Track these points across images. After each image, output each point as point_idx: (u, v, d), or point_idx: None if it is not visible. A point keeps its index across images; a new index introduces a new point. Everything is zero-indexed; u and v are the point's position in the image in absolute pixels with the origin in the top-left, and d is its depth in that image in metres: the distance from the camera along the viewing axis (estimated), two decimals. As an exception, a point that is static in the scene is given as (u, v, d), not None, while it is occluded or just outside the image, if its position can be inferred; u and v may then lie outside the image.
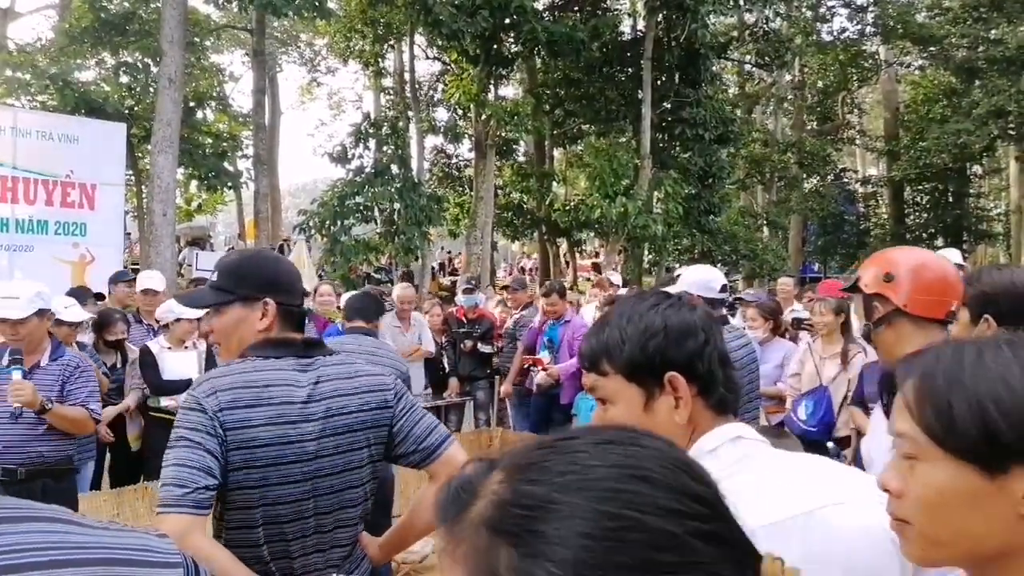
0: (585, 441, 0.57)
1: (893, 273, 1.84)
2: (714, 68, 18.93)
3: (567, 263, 22.94)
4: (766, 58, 20.01)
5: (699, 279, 3.53)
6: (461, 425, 6.91)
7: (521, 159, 21.91)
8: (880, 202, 26.44)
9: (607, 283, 7.78)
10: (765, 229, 23.14)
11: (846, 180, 27.34)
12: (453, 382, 6.74)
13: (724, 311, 3.97)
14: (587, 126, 21.24)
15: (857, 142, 26.42)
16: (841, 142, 25.91)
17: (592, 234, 20.59)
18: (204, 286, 1.98)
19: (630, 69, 19.07)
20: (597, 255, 25.05)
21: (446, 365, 6.85)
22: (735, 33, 21.01)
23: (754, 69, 23.79)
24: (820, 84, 25.34)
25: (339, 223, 14.56)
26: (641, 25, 19.66)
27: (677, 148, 18.36)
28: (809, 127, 25.47)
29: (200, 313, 4.50)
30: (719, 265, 17.19)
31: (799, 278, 17.01)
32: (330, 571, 1.78)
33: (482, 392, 6.78)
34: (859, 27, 22.93)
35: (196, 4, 16.85)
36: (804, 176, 23.69)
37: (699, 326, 1.17)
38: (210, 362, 4.72)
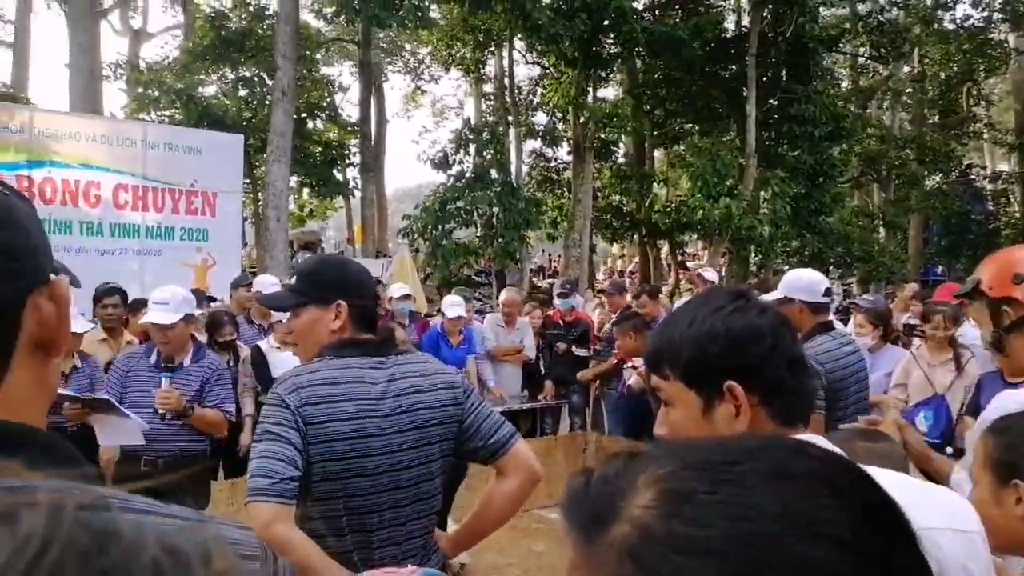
0: (755, 468, 0.48)
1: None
2: (824, 62, 18.14)
3: (668, 266, 22.52)
4: (881, 50, 19.01)
5: (800, 282, 3.39)
6: (557, 428, 6.90)
7: (620, 161, 21.70)
8: (1012, 200, 24.54)
9: (701, 279, 7.58)
10: (882, 230, 21.95)
11: (972, 177, 25.54)
12: (548, 385, 6.74)
13: (832, 316, 3.79)
14: (689, 125, 20.82)
15: (985, 136, 24.62)
16: (967, 136, 24.22)
17: (695, 236, 20.13)
18: (284, 289, 2.10)
19: (734, 66, 18.55)
20: (697, 257, 24.47)
21: (542, 368, 6.88)
22: (847, 25, 20.04)
23: (868, 62, 22.62)
24: (942, 75, 23.79)
25: (440, 227, 14.88)
26: (745, 21, 19.08)
27: (785, 146, 17.71)
28: (930, 121, 23.95)
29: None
30: (831, 268, 16.45)
31: (920, 281, 16.04)
32: (406, 562, 1.83)
33: (577, 396, 6.75)
34: (985, 14, 21.38)
35: (307, 19, 17.67)
36: (925, 173, 22.29)
37: (766, 330, 1.12)
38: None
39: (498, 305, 7.01)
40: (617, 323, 5.31)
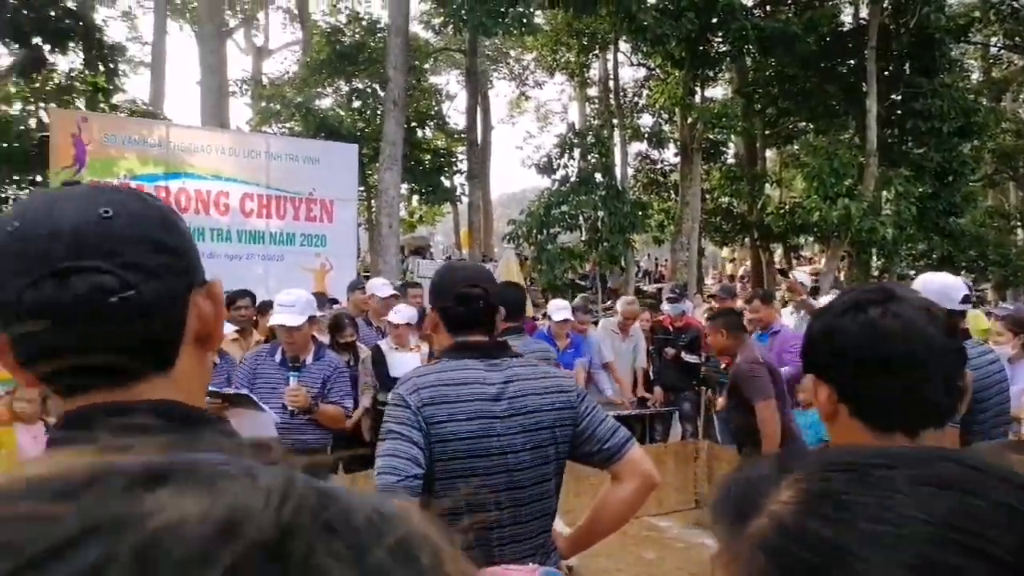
0: (905, 474, 0.46)
1: None
2: (952, 53, 17.01)
3: (782, 271, 21.72)
4: (1016, 39, 17.62)
5: (932, 287, 3.21)
6: (668, 435, 6.79)
7: (730, 162, 21.12)
8: None
9: (799, 286, 7.27)
10: (1020, 231, 20.34)
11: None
12: (657, 391, 6.65)
13: (967, 324, 3.56)
14: (803, 124, 20.00)
15: None
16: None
17: (810, 239, 19.32)
18: None
19: (852, 61, 17.69)
20: (814, 260, 23.44)
21: (651, 374, 6.80)
22: (977, 13, 18.71)
23: (1002, 52, 21.03)
24: (1090, 63, 21.81)
25: (545, 232, 14.93)
26: (864, 13, 18.16)
27: (909, 143, 16.72)
28: (1076, 112, 22.03)
29: (407, 317, 4.97)
30: (963, 272, 15.39)
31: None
32: (526, 561, 1.87)
33: (688, 403, 6.63)
34: None
35: (416, 31, 18.20)
36: (1068, 169, 20.52)
37: (853, 331, 1.12)
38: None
39: (605, 311, 7.00)
40: (711, 319, 5.19)
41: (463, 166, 19.11)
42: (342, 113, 16.33)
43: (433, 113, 19.78)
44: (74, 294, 0.67)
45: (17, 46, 13.25)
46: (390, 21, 14.21)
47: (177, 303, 0.74)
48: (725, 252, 28.67)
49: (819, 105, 18.29)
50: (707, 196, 19.58)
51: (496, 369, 1.92)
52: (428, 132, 19.49)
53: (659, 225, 20.34)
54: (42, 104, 13.05)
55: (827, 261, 16.42)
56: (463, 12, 12.89)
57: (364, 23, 17.51)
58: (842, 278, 16.76)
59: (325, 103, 17.86)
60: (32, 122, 13.07)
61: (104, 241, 0.68)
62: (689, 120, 16.30)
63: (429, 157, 18.20)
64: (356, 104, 17.03)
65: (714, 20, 15.15)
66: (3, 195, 14.46)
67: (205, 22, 15.60)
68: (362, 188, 16.41)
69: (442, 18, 15.44)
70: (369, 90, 16.79)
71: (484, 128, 23.26)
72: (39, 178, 13.64)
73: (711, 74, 17.59)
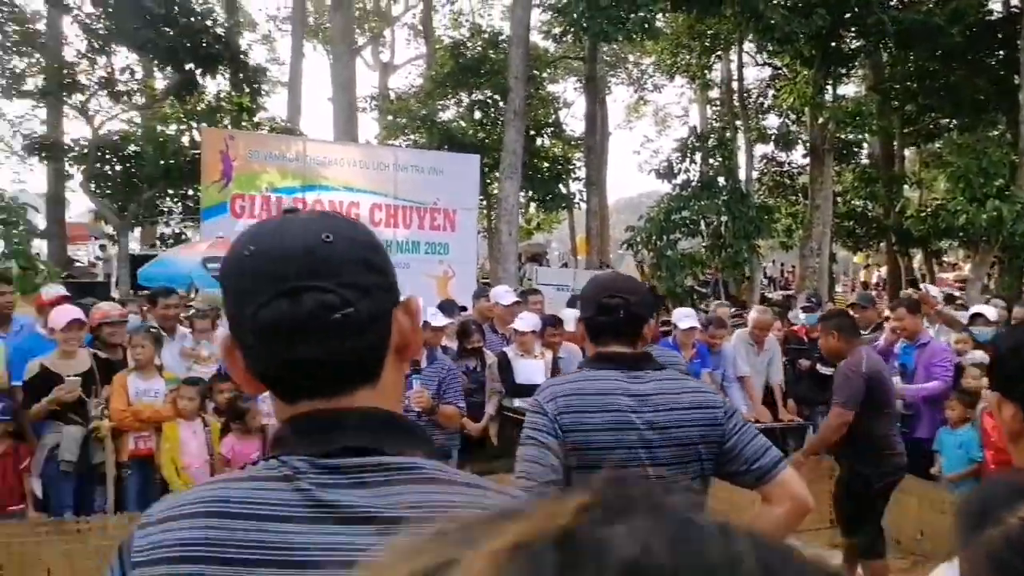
0: None
1: None
2: (1125, 37, 15.34)
3: (922, 276, 20.33)
4: None
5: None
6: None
7: (864, 162, 20.02)
8: None
9: (930, 298, 6.73)
10: None
11: None
12: (790, 404, 6.39)
13: None
14: (946, 121, 18.68)
15: None
16: None
17: (955, 243, 17.99)
18: None
19: (1001, 52, 16.35)
20: (958, 267, 21.81)
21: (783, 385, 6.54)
22: None
23: None
24: None
25: (665, 238, 14.69)
26: (1015, 0, 16.76)
27: (1068, 139, 15.25)
28: None
29: (532, 324, 5.03)
30: None
31: None
32: None
33: (823, 417, 6.32)
34: None
35: (535, 40, 18.40)
36: None
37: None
38: (555, 370, 5.15)
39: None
40: (822, 320, 4.93)
41: (581, 172, 19.12)
42: (464, 124, 16.75)
43: (550, 121, 19.92)
44: (305, 311, 0.75)
45: (172, 71, 14.46)
46: (511, 33, 14.45)
47: (385, 319, 0.81)
48: (858, 258, 27.18)
49: (965, 100, 17.01)
50: (838, 199, 18.64)
51: (638, 381, 1.91)
52: (546, 140, 19.65)
53: (786, 230, 19.54)
54: (194, 124, 14.16)
55: (974, 268, 15.22)
56: (583, 21, 12.93)
57: (486, 36, 17.89)
58: (992, 286, 15.49)
59: (448, 114, 18.38)
60: (185, 140, 14.21)
61: (327, 263, 0.76)
62: (820, 120, 15.58)
63: (547, 165, 18.34)
64: (477, 115, 17.42)
65: (847, 15, 14.44)
66: (163, 207, 15.82)
67: (338, 42, 16.43)
68: (481, 197, 16.77)
69: (562, 27, 15.53)
70: (490, 101, 17.14)
71: (601, 134, 23.18)
72: (190, 191, 14.84)
73: (843, 71, 16.74)
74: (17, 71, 19.76)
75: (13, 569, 4.06)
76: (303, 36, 22.63)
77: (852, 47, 15.77)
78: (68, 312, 4.60)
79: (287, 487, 0.74)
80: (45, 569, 4.13)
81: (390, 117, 18.36)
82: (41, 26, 17.37)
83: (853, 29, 15.05)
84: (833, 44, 15.28)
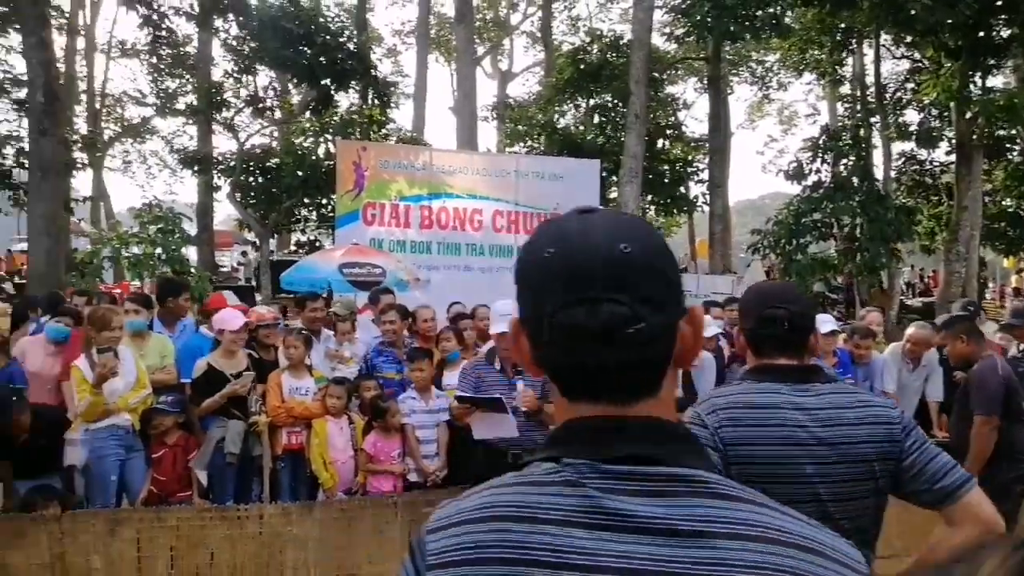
0: None
1: None
2: None
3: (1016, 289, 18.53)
4: None
5: None
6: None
7: (1017, 159, 18.48)
8: None
9: None
10: None
11: None
12: (943, 419, 5.98)
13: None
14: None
15: None
16: None
17: None
18: None
19: None
20: None
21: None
22: None
23: None
24: None
25: (795, 241, 14.13)
26: None
27: None
28: None
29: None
30: None
31: None
32: None
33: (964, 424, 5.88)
34: None
35: (656, 43, 18.18)
36: None
37: None
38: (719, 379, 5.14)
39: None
40: (945, 325, 4.59)
41: (703, 175, 18.70)
42: (584, 129, 16.78)
43: (670, 123, 19.61)
44: (600, 322, 0.78)
45: (309, 87, 15.32)
46: (633, 36, 14.35)
47: (672, 331, 0.83)
48: (1008, 262, 25.06)
49: None
50: (988, 198, 17.29)
51: (805, 394, 1.83)
52: (666, 143, 19.35)
53: (928, 232, 18.32)
54: (328, 136, 14.93)
55: None
56: (708, 21, 12.66)
57: (606, 40, 17.85)
58: None
59: (567, 120, 18.45)
60: (321, 152, 15.01)
61: (625, 276, 0.79)
62: (967, 115, 14.52)
63: (667, 168, 18.06)
64: (597, 120, 17.40)
65: (997, 3, 13.40)
66: (300, 216, 16.76)
67: (462, 53, 16.88)
68: (602, 203, 16.70)
69: (685, 28, 15.27)
70: (610, 105, 17.08)
71: (723, 134, 22.58)
72: (324, 200, 15.65)
73: (993, 62, 15.53)
74: (170, 91, 21.54)
75: (182, 549, 4.43)
76: (427, 49, 23.35)
77: (1004, 36, 14.61)
78: (238, 316, 4.98)
79: (570, 492, 0.76)
80: (209, 551, 4.49)
81: (510, 124, 18.63)
82: (191, 49, 18.86)
83: (1003, 18, 13.95)
84: (981, 34, 14.22)
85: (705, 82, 22.04)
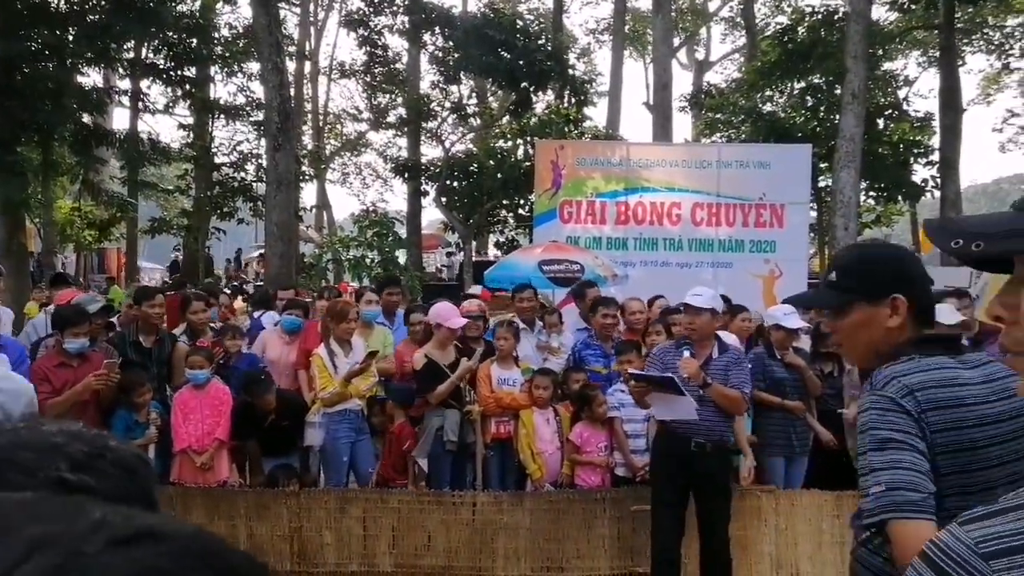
0: None
1: None
2: None
3: None
4: None
5: None
6: None
7: None
8: None
9: None
10: None
11: None
12: None
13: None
14: None
15: None
16: None
17: None
18: (822, 285, 1.94)
19: None
20: None
21: None
22: None
23: None
24: None
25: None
26: None
27: None
28: None
29: None
30: None
31: None
32: None
33: None
34: None
35: (875, 14, 16.62)
36: None
37: None
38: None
39: None
40: None
41: (933, 157, 16.83)
42: (794, 114, 15.75)
43: (889, 102, 17.87)
44: None
45: (508, 91, 15.78)
46: (850, 8, 13.21)
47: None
48: None
49: None
50: None
51: (971, 367, 1.68)
52: (887, 123, 17.64)
53: None
54: (526, 138, 15.27)
55: None
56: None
57: (819, 16, 16.63)
58: None
59: (773, 105, 17.44)
60: (519, 153, 15.39)
61: None
62: None
63: (889, 150, 16.43)
64: (808, 103, 16.26)
65: None
66: (499, 216, 17.33)
67: (659, 45, 16.54)
68: (813, 190, 15.61)
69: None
70: (824, 85, 15.89)
71: (954, 111, 20.19)
72: (522, 201, 16.03)
73: None
74: (382, 106, 23.21)
75: (401, 531, 4.68)
76: (622, 45, 23.18)
77: None
78: (457, 313, 5.18)
79: None
80: (426, 534, 4.69)
81: (708, 114, 17.97)
82: (401, 65, 20.17)
83: None
84: None
85: (931, 55, 19.84)
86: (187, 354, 4.85)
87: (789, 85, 17.21)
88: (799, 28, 16.47)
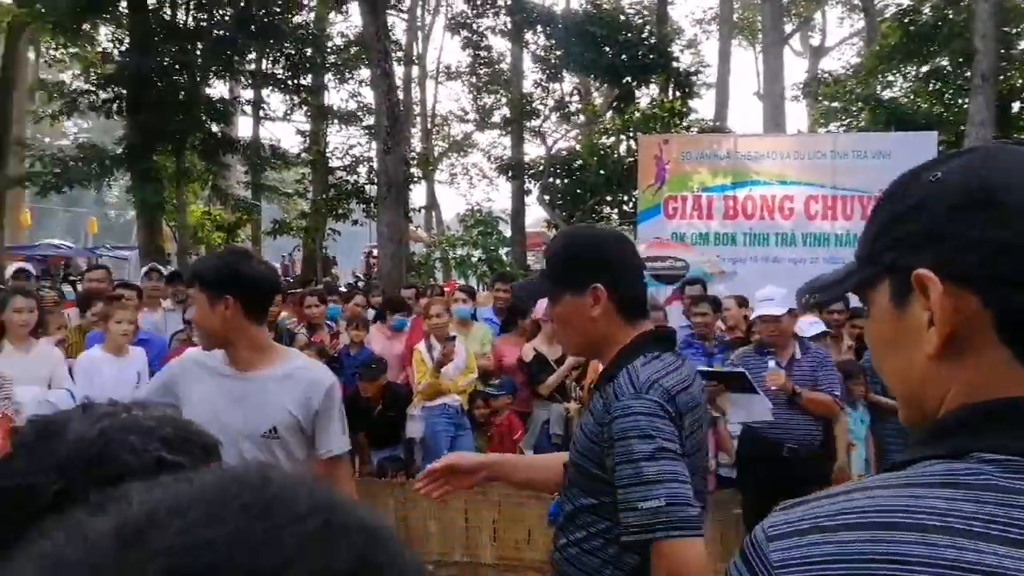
0: None
1: None
2: None
3: None
4: None
5: None
6: None
7: None
8: None
9: None
10: None
11: None
12: None
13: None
14: None
15: None
16: None
17: None
18: (539, 275, 1.99)
19: None
20: None
21: None
22: None
23: None
24: None
25: None
26: None
27: None
28: None
29: None
30: None
31: None
32: None
33: None
34: None
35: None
36: None
37: None
38: None
39: None
40: None
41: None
42: (917, 99, 14.85)
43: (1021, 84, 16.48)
44: None
45: (611, 86, 15.67)
46: (979, -17, 12.33)
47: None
48: None
49: None
50: None
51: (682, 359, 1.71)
52: (1022, 107, 16.29)
53: None
54: (629, 133, 15.12)
55: None
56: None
57: (947, -6, 15.61)
58: None
59: (895, 92, 16.50)
60: (623, 149, 15.26)
61: None
62: None
63: (1025, 136, 15.20)
64: (932, 87, 15.28)
65: None
66: (602, 213, 17.23)
67: (769, 32, 15.98)
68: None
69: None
70: (949, 68, 14.89)
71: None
72: (625, 197, 15.89)
73: None
74: (487, 107, 23.55)
75: (503, 524, 4.78)
76: (730, 34, 22.54)
77: None
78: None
79: (965, 496, 0.59)
80: (527, 529, 4.77)
81: (823, 103, 17.21)
82: (504, 66, 20.41)
83: None
84: None
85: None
86: (302, 347, 5.13)
87: (911, 69, 16.21)
88: (922, 8, 15.48)
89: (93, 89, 14.27)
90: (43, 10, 13.67)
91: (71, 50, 16.49)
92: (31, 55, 21.07)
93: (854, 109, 15.63)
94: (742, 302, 5.63)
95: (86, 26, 14.55)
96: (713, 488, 4.66)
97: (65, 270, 18.48)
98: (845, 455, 4.26)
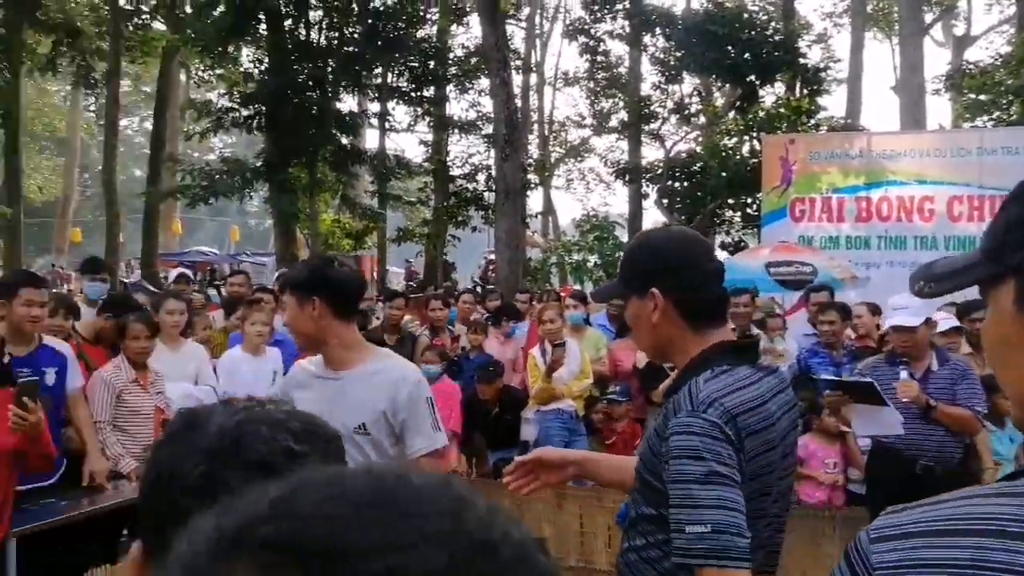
0: None
1: None
2: None
3: None
4: None
5: None
6: None
7: None
8: None
9: None
10: None
11: None
12: None
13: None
14: None
15: None
16: None
17: None
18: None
19: None
20: None
21: None
22: None
23: None
24: None
25: None
26: None
27: None
28: None
29: None
30: None
31: None
32: None
33: None
34: None
35: None
36: None
37: None
38: None
39: None
40: None
41: None
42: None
43: None
44: None
45: (733, 86, 15.23)
46: None
47: None
48: None
49: None
50: None
51: (766, 373, 1.60)
52: None
53: None
54: (753, 133, 14.64)
55: None
56: None
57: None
58: None
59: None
60: (746, 150, 14.80)
61: None
62: None
63: None
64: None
65: None
66: (724, 216, 16.77)
67: (906, 22, 15.04)
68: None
69: None
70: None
71: None
72: (749, 200, 15.38)
73: None
74: (604, 111, 23.46)
75: (617, 530, 4.74)
76: (863, 27, 21.37)
77: None
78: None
79: None
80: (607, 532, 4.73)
81: (970, 95, 15.97)
82: (622, 69, 20.27)
83: None
84: None
85: None
86: (424, 349, 5.32)
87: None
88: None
89: (236, 107, 15.39)
90: (192, 34, 14.89)
91: (217, 71, 17.85)
92: (182, 77, 22.95)
93: (1003, 102, 14.41)
94: (875, 310, 5.32)
95: (230, 48, 15.69)
96: (842, 504, 4.44)
97: (211, 275, 19.98)
98: (986, 475, 3.94)
